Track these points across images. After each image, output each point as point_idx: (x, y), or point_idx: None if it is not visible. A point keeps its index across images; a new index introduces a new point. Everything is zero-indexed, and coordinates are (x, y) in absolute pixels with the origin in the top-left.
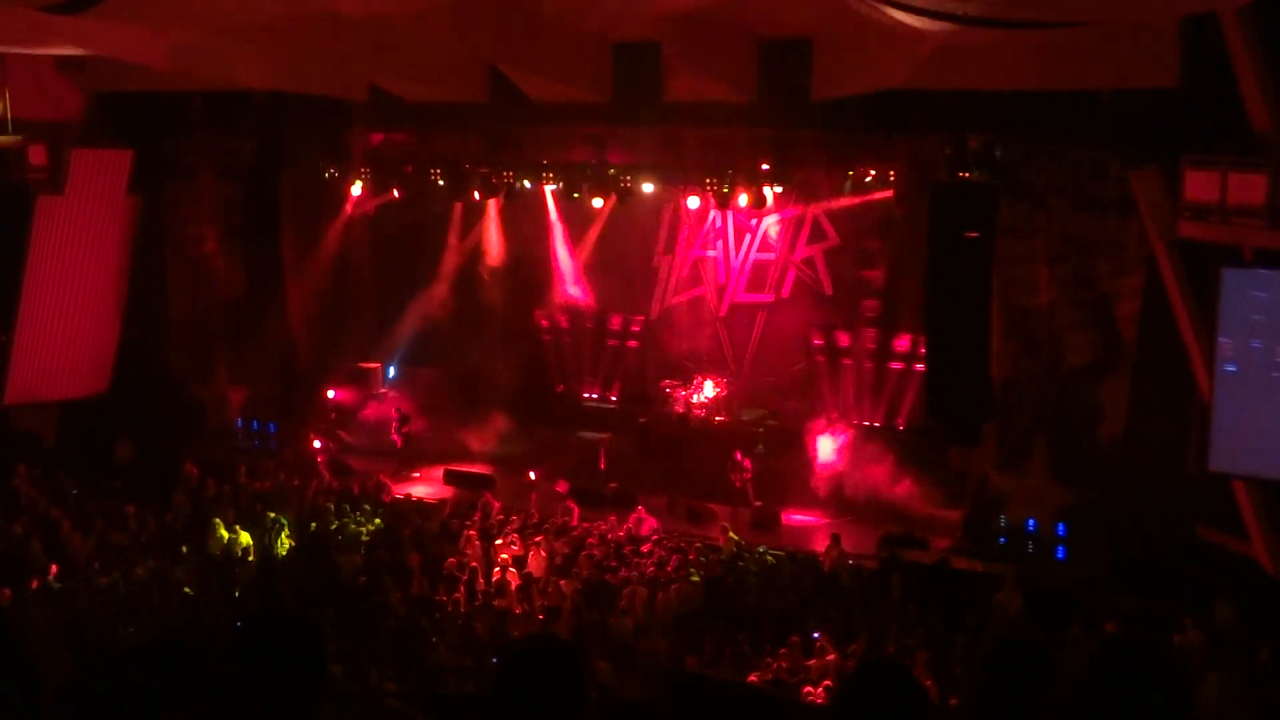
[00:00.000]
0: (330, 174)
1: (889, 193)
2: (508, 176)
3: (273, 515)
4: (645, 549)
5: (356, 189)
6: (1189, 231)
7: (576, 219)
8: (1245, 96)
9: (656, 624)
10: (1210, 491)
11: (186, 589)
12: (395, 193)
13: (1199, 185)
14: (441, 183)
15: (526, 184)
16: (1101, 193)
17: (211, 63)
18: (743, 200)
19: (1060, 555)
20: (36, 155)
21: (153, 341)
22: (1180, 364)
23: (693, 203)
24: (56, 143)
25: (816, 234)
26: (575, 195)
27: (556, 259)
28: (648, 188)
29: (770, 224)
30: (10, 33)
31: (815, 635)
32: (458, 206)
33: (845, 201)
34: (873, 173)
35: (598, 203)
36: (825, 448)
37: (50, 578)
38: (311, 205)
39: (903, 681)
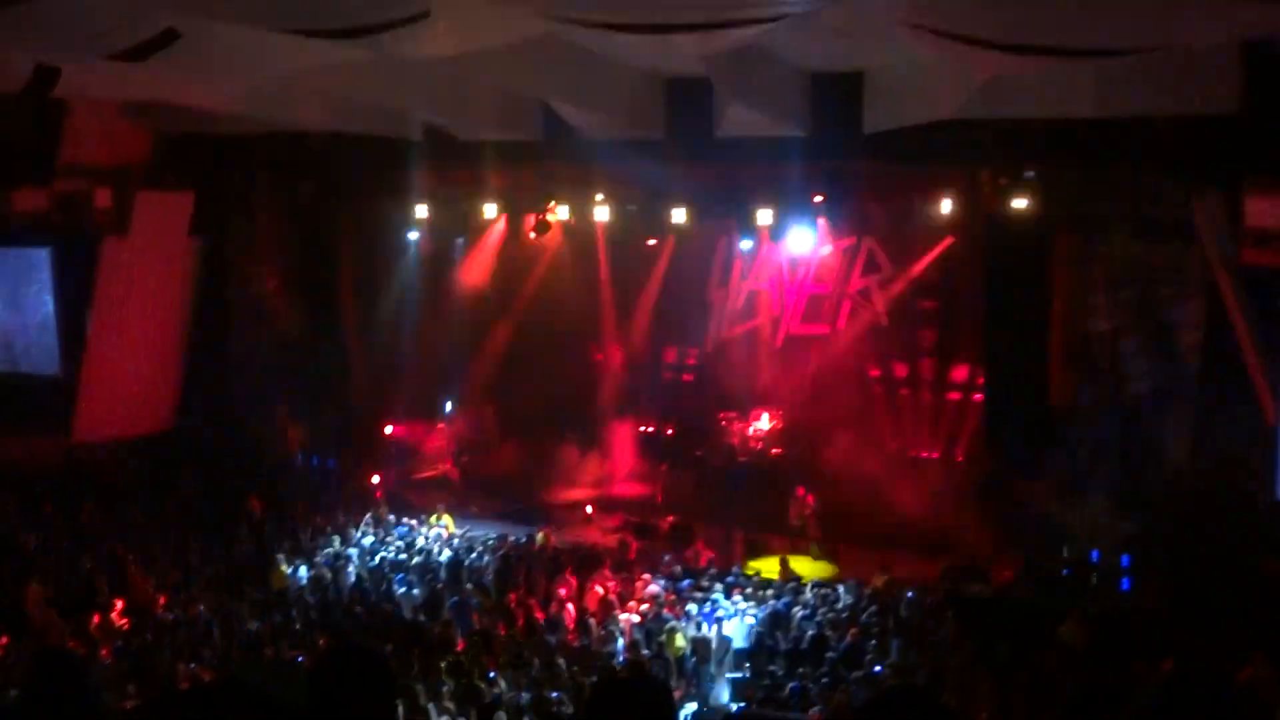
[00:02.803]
0: (388, 213)
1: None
2: (562, 213)
3: (333, 550)
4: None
5: (415, 231)
6: (1252, 258)
7: (631, 254)
8: None
9: (714, 659)
10: (1277, 522)
11: (250, 624)
12: (459, 240)
13: (1261, 211)
14: (496, 220)
15: (580, 220)
16: (1161, 219)
17: (274, 105)
18: (797, 232)
19: (1125, 587)
20: (102, 198)
21: (216, 378)
22: (1246, 391)
23: (747, 236)
24: (122, 186)
25: (870, 265)
26: (627, 232)
27: (609, 294)
28: (701, 222)
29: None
30: (81, 82)
31: (876, 669)
32: (513, 242)
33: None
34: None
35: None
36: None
37: (115, 613)
38: (369, 243)
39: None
